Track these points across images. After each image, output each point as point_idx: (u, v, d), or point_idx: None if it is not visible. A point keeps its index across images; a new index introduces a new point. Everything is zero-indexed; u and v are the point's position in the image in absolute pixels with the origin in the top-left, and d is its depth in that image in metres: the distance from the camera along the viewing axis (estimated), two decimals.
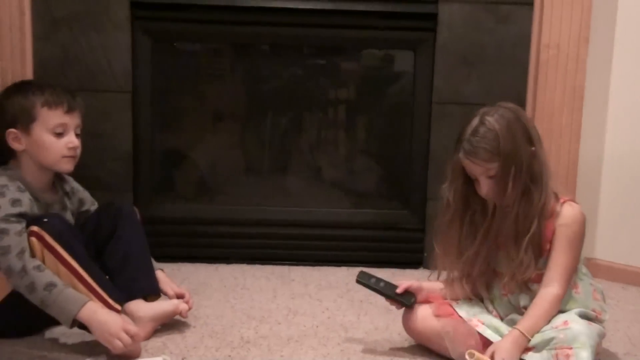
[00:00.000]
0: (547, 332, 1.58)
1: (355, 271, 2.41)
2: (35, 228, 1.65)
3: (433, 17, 2.39)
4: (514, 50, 2.40)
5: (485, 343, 1.65)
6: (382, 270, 2.45)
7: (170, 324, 1.87)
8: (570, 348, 1.52)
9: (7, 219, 1.64)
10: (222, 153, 2.67)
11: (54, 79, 2.31)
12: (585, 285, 1.69)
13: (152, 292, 1.84)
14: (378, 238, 2.53)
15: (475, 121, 1.64)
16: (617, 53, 2.36)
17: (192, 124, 2.66)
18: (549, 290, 1.63)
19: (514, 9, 2.37)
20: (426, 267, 2.50)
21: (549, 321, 1.61)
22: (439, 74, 2.42)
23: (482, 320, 1.69)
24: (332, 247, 2.52)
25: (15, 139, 1.73)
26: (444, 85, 2.42)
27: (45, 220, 1.68)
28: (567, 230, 1.64)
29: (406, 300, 1.75)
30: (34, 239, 1.64)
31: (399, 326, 1.93)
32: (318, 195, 2.66)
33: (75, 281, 1.65)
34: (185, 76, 2.60)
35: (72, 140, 1.76)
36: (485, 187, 1.64)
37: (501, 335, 1.65)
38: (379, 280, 1.79)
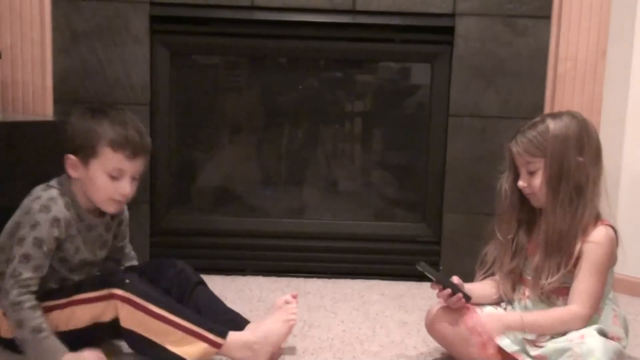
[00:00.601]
0: (562, 344, 1.57)
1: (370, 284, 2.44)
2: (119, 292, 1.62)
3: (450, 30, 2.39)
4: (531, 63, 2.39)
5: (500, 351, 1.64)
6: (398, 283, 2.45)
7: None
8: None
9: (39, 244, 1.61)
10: (239, 165, 2.69)
11: (74, 91, 2.36)
12: (607, 310, 1.67)
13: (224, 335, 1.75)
14: (394, 251, 2.52)
15: (537, 119, 1.70)
16: (635, 66, 2.35)
17: (209, 136, 2.67)
18: (573, 307, 1.62)
19: (531, 22, 2.37)
20: None
21: (561, 334, 1.60)
22: (455, 87, 2.42)
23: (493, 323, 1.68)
24: (347, 259, 2.52)
25: (72, 166, 1.67)
26: (461, 98, 2.42)
27: (127, 281, 1.64)
28: (595, 251, 1.62)
29: (466, 296, 1.70)
30: (119, 303, 1.62)
31: (414, 340, 1.92)
32: (334, 208, 2.66)
33: (173, 330, 1.62)
34: (202, 89, 2.62)
35: (124, 187, 1.68)
36: (522, 180, 1.68)
37: (518, 343, 1.64)
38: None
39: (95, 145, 1.65)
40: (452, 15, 2.38)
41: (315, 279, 2.48)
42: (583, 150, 1.64)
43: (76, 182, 1.70)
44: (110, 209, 1.73)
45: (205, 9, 2.38)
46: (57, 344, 1.60)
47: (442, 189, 2.47)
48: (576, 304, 1.62)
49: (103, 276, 1.72)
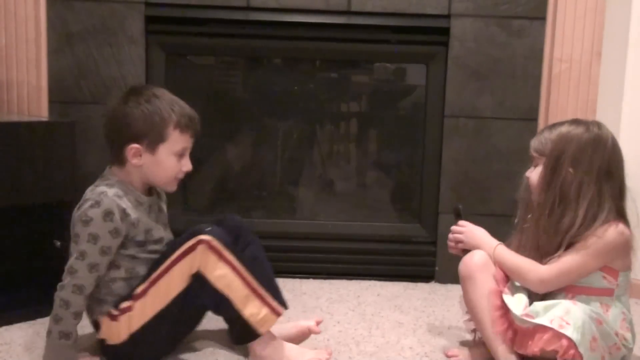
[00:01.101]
0: (552, 302, 1.61)
1: (366, 284, 2.44)
2: (205, 237, 1.63)
3: (445, 31, 2.40)
4: (526, 64, 2.40)
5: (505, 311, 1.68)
6: (394, 283, 2.46)
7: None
8: (568, 323, 1.55)
9: (94, 240, 1.60)
10: (234, 165, 2.69)
11: (69, 91, 2.35)
12: (616, 311, 1.67)
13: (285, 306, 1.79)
14: (389, 251, 2.52)
15: (562, 121, 1.73)
16: (629, 67, 2.35)
17: (205, 137, 2.66)
18: (541, 266, 1.67)
19: (526, 23, 2.38)
20: (438, 280, 2.49)
21: (516, 276, 1.71)
22: (451, 88, 2.42)
23: (512, 290, 1.72)
24: (343, 260, 2.52)
25: (135, 154, 1.66)
26: (456, 98, 2.42)
27: (209, 228, 1.65)
28: (591, 240, 1.63)
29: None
30: (205, 249, 1.62)
31: (410, 340, 1.93)
32: (330, 208, 2.66)
33: (242, 286, 1.65)
34: (198, 89, 2.62)
35: (188, 164, 1.73)
36: (528, 172, 1.75)
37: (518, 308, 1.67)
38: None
39: (163, 130, 1.66)
40: (447, 16, 2.39)
41: (311, 280, 2.48)
42: (578, 164, 1.64)
43: (129, 170, 1.69)
44: (173, 187, 1.75)
45: (200, 9, 2.38)
46: (72, 353, 1.63)
47: (438, 190, 2.47)
48: (546, 266, 1.67)
49: (185, 232, 1.70)
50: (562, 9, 2.34)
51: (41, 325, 1.94)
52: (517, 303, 1.66)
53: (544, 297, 1.72)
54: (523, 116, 2.41)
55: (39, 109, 2.32)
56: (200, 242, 1.63)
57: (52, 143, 1.98)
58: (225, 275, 1.64)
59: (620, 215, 1.67)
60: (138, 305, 1.65)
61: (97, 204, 1.61)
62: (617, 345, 1.63)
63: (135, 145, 1.65)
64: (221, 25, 2.41)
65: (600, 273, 1.66)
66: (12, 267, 2.16)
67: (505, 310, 1.67)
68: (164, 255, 1.67)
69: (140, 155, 1.67)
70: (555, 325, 1.56)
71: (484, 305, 1.70)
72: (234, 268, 1.65)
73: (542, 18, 2.37)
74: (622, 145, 2.36)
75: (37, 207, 2.04)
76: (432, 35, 2.43)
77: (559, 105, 2.37)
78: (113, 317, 1.66)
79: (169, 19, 2.38)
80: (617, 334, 1.64)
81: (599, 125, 1.69)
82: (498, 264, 1.73)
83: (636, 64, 2.35)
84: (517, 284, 1.76)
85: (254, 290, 1.67)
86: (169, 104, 1.68)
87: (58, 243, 2.01)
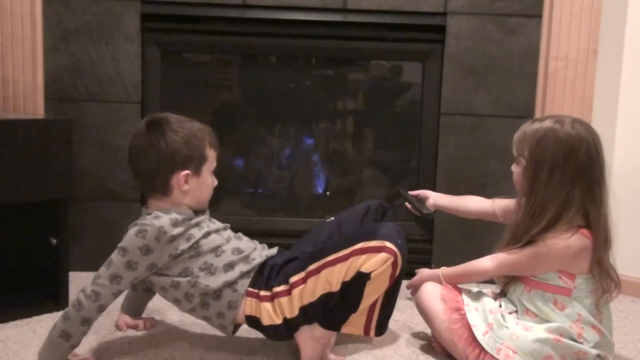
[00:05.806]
0: (504, 322, 1.66)
1: None
2: (395, 250, 1.61)
3: (441, 29, 2.40)
4: (522, 61, 2.40)
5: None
6: None
7: (180, 338, 1.88)
8: (515, 352, 1.61)
9: (122, 252, 1.61)
10: (230, 163, 2.68)
11: (65, 89, 2.35)
12: (570, 312, 1.65)
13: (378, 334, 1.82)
14: None
15: (546, 116, 1.72)
16: (625, 65, 2.36)
17: None
18: (484, 261, 1.74)
19: (522, 21, 2.38)
20: None
21: (469, 279, 1.80)
22: (447, 86, 2.42)
23: (477, 307, 1.74)
24: None
25: (184, 180, 1.69)
26: (452, 96, 2.42)
27: (400, 241, 1.63)
28: (541, 245, 1.64)
29: (424, 209, 2.10)
30: (389, 261, 1.61)
31: (406, 338, 1.93)
32: (325, 206, 2.66)
33: (374, 299, 1.68)
34: (194, 87, 2.62)
35: (215, 179, 1.78)
36: (513, 167, 1.75)
37: (485, 320, 1.70)
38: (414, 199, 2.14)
39: (203, 150, 1.71)
40: (443, 14, 2.39)
41: None
42: (555, 168, 1.63)
43: (175, 199, 1.70)
44: (207, 204, 1.80)
45: (196, 7, 2.37)
46: (64, 356, 1.63)
47: (434, 188, 2.47)
48: (489, 258, 1.73)
49: (365, 228, 1.76)
50: (558, 6, 2.34)
51: (37, 322, 1.94)
52: (480, 320, 1.70)
53: (505, 287, 1.77)
54: (519, 114, 2.41)
55: (35, 107, 2.32)
56: (386, 249, 1.61)
57: (48, 141, 1.97)
58: (379, 290, 1.66)
59: (587, 220, 1.66)
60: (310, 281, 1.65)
61: (140, 232, 1.63)
62: (582, 351, 1.63)
63: (186, 172, 1.68)
64: (217, 23, 2.41)
65: (557, 273, 1.66)
66: (7, 264, 2.16)
67: (469, 333, 1.70)
68: (332, 247, 1.67)
69: (189, 181, 1.69)
70: (501, 357, 1.61)
71: (447, 336, 1.74)
72: (388, 288, 1.68)
73: (539, 16, 2.38)
74: (618, 142, 2.39)
75: (32, 205, 2.04)
76: (428, 33, 2.43)
77: (555, 103, 2.37)
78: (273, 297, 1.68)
79: (165, 17, 2.38)
80: (580, 336, 1.64)
81: (580, 123, 1.67)
82: (450, 280, 1.80)
83: (632, 62, 2.35)
84: (475, 289, 1.83)
85: (372, 307, 1.70)
86: (194, 125, 1.72)
87: (54, 241, 2.01)
